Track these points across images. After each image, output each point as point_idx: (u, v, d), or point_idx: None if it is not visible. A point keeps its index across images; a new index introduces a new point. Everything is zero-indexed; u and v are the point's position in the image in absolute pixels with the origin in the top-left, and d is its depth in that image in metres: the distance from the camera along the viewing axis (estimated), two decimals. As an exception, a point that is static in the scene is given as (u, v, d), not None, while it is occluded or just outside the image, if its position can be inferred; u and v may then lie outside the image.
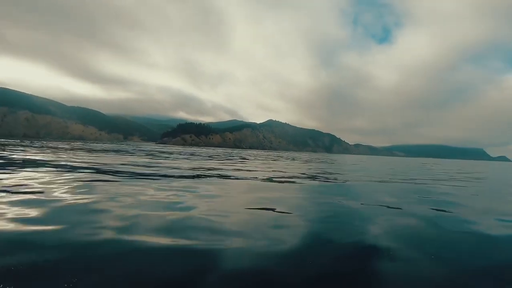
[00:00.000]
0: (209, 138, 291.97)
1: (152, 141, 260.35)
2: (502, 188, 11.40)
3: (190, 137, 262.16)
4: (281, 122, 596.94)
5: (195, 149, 66.77)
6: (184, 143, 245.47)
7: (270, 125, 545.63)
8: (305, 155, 69.01)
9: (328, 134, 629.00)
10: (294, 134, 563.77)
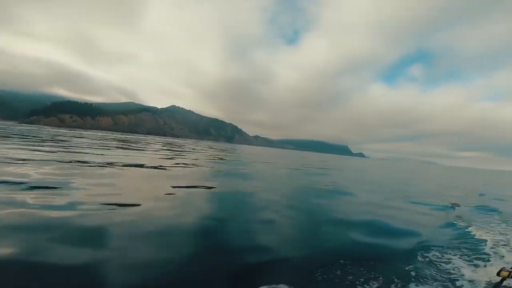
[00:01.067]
0: (97, 120, 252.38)
1: (14, 120, 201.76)
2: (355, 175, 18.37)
3: (71, 117, 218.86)
4: (184, 108, 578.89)
5: (64, 131, 59.09)
6: (61, 124, 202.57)
7: (173, 111, 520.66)
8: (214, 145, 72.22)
9: (231, 125, 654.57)
10: (197, 122, 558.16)
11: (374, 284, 3.14)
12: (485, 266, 4.05)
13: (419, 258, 4.13)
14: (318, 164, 32.39)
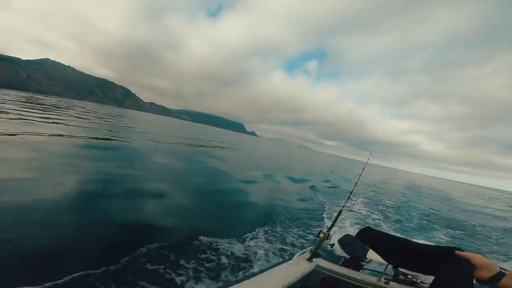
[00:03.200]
0: None
1: None
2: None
3: None
4: (62, 64, 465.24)
5: None
6: None
7: (44, 65, 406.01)
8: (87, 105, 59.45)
9: (122, 87, 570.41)
10: (78, 80, 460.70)
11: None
12: (317, 229, 5.46)
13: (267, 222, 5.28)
14: (215, 140, 33.71)
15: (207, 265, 3.25)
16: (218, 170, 10.56)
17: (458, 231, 7.84)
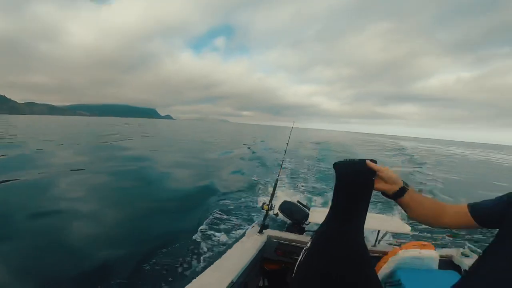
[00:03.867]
0: None
1: None
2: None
3: None
4: None
5: None
6: None
7: None
8: None
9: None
10: None
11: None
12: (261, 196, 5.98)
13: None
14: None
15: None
16: (130, 168, 8.94)
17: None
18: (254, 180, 7.97)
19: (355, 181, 1.00)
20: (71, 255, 3.32)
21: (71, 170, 7.83)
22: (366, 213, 1.01)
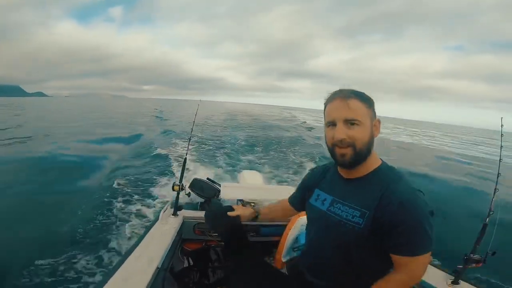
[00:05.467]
0: None
1: None
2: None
3: None
4: None
5: None
6: None
7: None
8: None
9: None
10: None
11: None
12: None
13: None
14: None
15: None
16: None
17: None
18: (162, 161, 7.35)
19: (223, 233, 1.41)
20: None
21: None
22: None
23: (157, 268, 1.40)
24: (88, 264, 2.89)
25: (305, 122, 26.34)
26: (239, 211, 1.42)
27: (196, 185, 2.60)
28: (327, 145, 1.02)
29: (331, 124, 0.97)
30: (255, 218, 1.47)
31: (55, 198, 4.64)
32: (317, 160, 8.42)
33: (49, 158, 7.09)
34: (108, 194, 4.66)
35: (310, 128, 20.12)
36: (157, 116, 20.24)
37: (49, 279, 2.64)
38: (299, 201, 1.34)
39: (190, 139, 2.63)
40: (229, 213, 1.38)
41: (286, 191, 1.70)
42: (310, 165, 7.39)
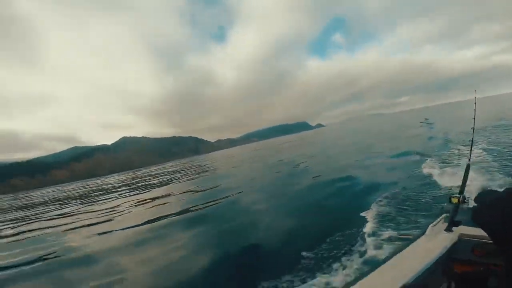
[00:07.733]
0: (51, 175, 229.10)
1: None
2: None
3: (22, 180, 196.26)
4: (137, 137, 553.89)
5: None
6: (14, 190, 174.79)
7: (125, 143, 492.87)
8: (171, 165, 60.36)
9: (191, 137, 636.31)
10: (155, 145, 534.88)
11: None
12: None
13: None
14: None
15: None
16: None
17: None
18: (432, 168, 7.02)
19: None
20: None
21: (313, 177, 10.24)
22: None
23: (404, 285, 1.29)
24: (335, 263, 3.36)
25: None
26: None
27: (487, 197, 1.96)
28: None
29: None
30: None
31: (342, 203, 5.63)
32: None
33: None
34: (368, 195, 5.58)
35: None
36: (425, 123, 19.52)
37: (308, 265, 3.42)
38: None
39: (472, 143, 2.37)
40: None
41: None
42: None
